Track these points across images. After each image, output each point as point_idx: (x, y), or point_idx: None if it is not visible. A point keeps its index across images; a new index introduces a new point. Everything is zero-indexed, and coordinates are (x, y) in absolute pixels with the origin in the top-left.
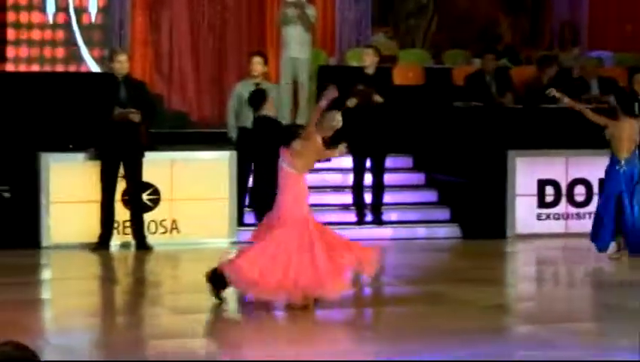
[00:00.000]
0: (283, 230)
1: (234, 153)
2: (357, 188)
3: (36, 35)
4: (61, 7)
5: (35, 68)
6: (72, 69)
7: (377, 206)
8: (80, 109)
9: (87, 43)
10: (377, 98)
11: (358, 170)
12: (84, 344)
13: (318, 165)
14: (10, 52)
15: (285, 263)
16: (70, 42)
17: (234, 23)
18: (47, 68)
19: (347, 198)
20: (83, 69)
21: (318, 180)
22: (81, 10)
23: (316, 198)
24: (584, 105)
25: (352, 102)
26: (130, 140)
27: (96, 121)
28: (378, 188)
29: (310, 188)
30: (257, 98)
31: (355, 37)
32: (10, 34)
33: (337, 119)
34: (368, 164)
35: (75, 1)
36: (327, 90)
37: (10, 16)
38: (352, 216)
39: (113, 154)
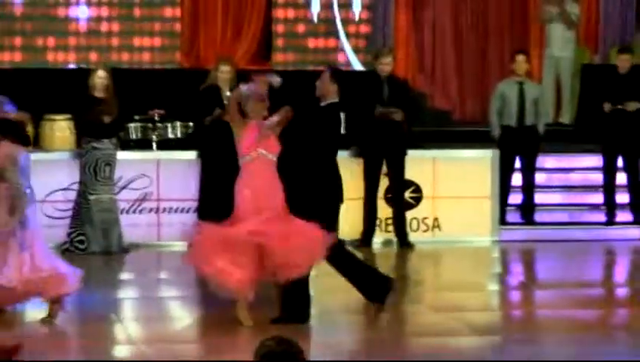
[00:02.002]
0: None
1: (496, 151)
2: (608, 188)
3: (300, 30)
4: (325, 5)
5: (298, 65)
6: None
7: (637, 205)
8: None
9: (351, 41)
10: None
11: (610, 169)
12: (348, 341)
13: (567, 165)
14: (276, 50)
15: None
16: (334, 40)
17: (496, 22)
18: (310, 66)
19: (596, 198)
20: (346, 68)
21: (564, 179)
22: (345, 8)
23: (564, 198)
24: None
25: (607, 107)
26: (392, 138)
27: (360, 119)
28: (637, 187)
29: (558, 187)
30: None
31: (620, 35)
32: (276, 31)
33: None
34: (620, 163)
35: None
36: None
37: (279, 13)
38: (601, 216)
39: (376, 152)
